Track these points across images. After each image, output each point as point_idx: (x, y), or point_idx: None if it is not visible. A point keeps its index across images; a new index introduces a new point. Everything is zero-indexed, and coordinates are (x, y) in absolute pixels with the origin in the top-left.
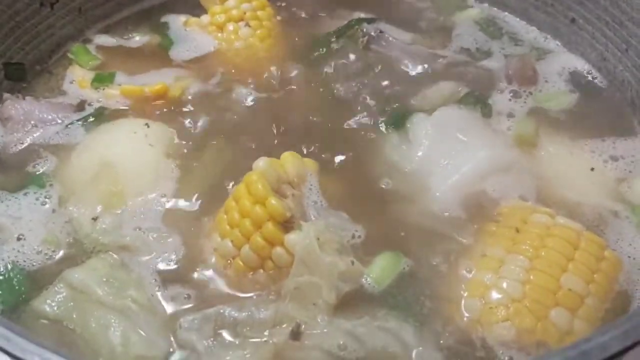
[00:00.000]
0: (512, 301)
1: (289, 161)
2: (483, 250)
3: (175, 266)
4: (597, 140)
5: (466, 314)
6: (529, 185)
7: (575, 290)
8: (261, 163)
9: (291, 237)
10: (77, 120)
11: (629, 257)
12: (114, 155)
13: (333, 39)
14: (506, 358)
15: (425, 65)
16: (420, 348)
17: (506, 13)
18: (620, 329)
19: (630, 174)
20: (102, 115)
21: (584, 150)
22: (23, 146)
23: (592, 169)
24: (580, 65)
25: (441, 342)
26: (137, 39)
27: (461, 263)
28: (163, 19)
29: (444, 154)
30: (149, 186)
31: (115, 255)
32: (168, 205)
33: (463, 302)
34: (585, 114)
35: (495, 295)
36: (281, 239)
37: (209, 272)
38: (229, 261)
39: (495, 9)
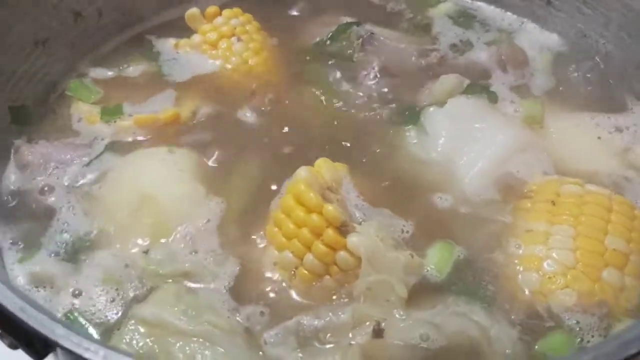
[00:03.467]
0: (567, 268)
1: (324, 167)
2: (526, 226)
3: (240, 285)
4: (598, 112)
5: (526, 288)
6: (547, 161)
7: (620, 249)
8: (303, 173)
9: (353, 240)
10: (97, 157)
11: None
12: (147, 186)
13: (328, 44)
14: (573, 322)
15: (422, 62)
16: (496, 327)
17: (480, 3)
18: None
19: (634, 144)
20: (120, 148)
21: (589, 123)
22: (50, 190)
23: (599, 138)
24: (557, 42)
25: (512, 317)
26: (132, 69)
27: (509, 241)
28: (153, 44)
29: (463, 142)
30: (191, 211)
31: (178, 284)
32: (214, 227)
33: (520, 277)
34: (580, 89)
35: (549, 265)
36: (343, 243)
37: (276, 286)
38: (292, 272)
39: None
